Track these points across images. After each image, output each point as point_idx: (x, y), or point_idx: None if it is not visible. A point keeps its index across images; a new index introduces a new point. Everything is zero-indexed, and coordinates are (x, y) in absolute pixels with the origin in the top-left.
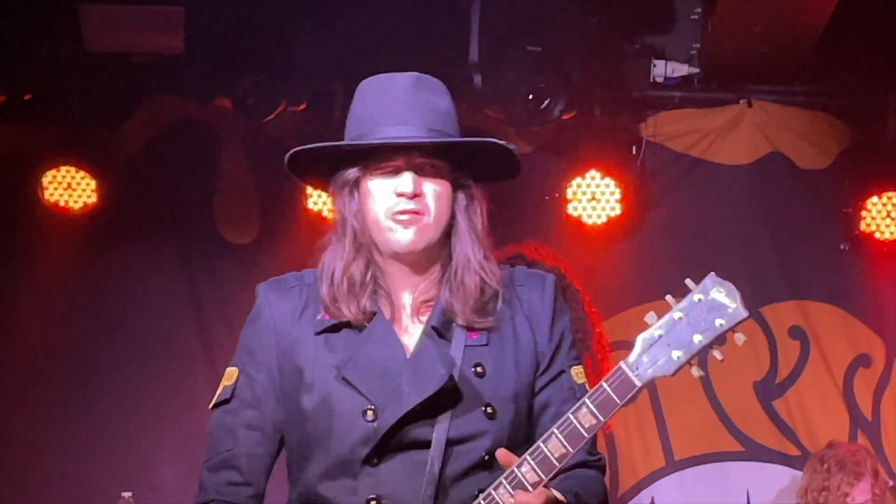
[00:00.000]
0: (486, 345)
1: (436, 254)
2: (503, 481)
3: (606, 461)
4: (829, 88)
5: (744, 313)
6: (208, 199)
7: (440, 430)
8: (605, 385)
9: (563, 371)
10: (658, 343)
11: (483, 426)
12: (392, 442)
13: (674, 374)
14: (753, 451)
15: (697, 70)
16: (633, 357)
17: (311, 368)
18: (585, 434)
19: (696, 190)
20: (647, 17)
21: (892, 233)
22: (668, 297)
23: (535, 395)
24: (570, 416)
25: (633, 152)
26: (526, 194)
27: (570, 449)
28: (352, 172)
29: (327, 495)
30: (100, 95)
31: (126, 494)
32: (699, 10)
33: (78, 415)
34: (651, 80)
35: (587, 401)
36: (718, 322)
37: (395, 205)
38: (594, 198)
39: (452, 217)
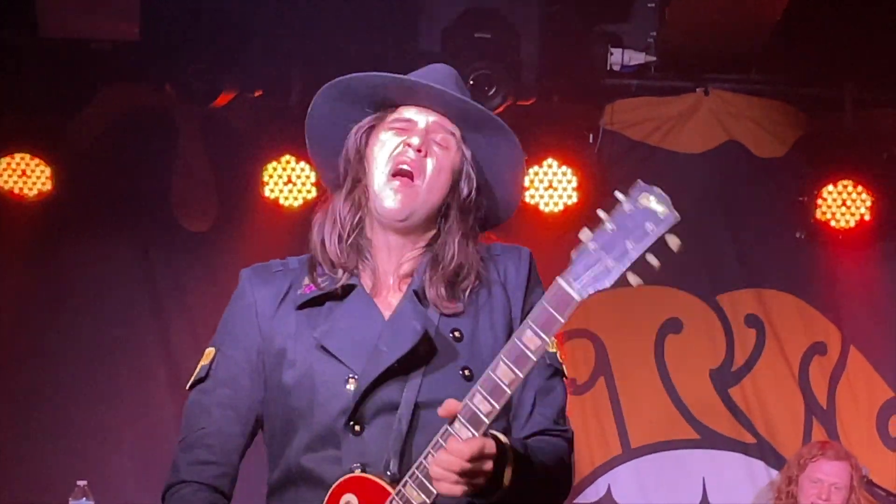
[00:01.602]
0: (462, 312)
1: (422, 231)
2: (458, 416)
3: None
4: (786, 77)
5: (674, 217)
6: (165, 186)
7: (410, 391)
8: (545, 303)
9: None
10: (592, 256)
11: (458, 387)
12: (370, 406)
13: (612, 286)
14: (709, 439)
15: (654, 58)
16: (569, 272)
17: (293, 345)
18: (532, 356)
19: (653, 178)
20: (604, 5)
21: (847, 221)
22: (600, 212)
23: None
24: (515, 339)
25: (591, 140)
26: None
27: (520, 373)
28: (370, 119)
29: (312, 467)
30: (55, 82)
31: (81, 483)
32: None
33: (36, 403)
34: (608, 69)
35: (530, 322)
36: (650, 227)
37: (401, 154)
38: (551, 186)
39: (445, 196)
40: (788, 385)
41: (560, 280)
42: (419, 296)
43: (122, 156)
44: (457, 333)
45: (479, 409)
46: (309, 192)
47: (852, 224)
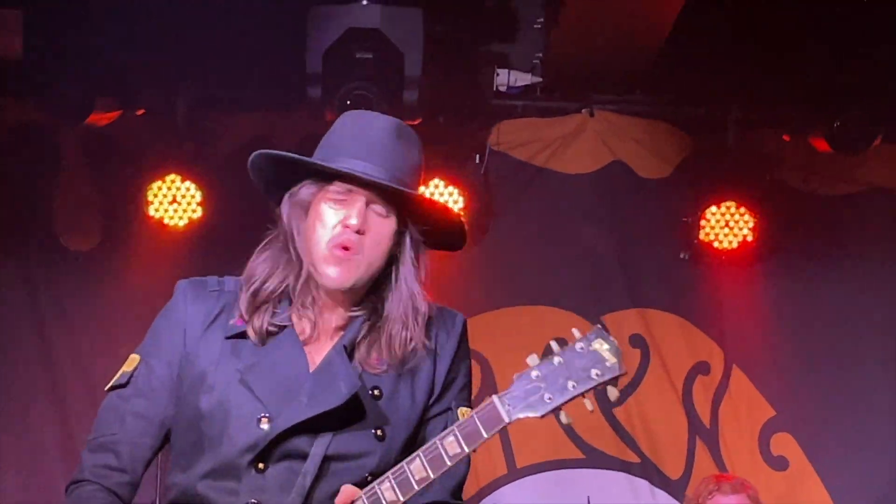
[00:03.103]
0: (385, 371)
1: (363, 295)
2: (362, 496)
3: None
4: (670, 98)
5: (620, 370)
6: (48, 204)
7: (319, 444)
8: (474, 416)
9: (450, 408)
10: (533, 383)
11: (370, 446)
12: (278, 450)
13: (542, 417)
14: (594, 459)
15: (540, 79)
16: (506, 393)
17: (214, 371)
18: (448, 462)
19: (540, 198)
20: (490, 26)
21: (730, 242)
22: (553, 343)
23: (421, 425)
24: (437, 441)
25: (477, 161)
26: None
27: (432, 473)
28: (308, 191)
29: (207, 494)
30: None
31: None
32: (542, 19)
33: None
34: (494, 89)
35: (455, 429)
36: (595, 373)
37: (339, 235)
38: None
39: (387, 265)
40: (672, 404)
41: (496, 399)
42: (347, 350)
43: (3, 173)
44: (376, 392)
45: (383, 497)
46: (194, 211)
47: (735, 245)
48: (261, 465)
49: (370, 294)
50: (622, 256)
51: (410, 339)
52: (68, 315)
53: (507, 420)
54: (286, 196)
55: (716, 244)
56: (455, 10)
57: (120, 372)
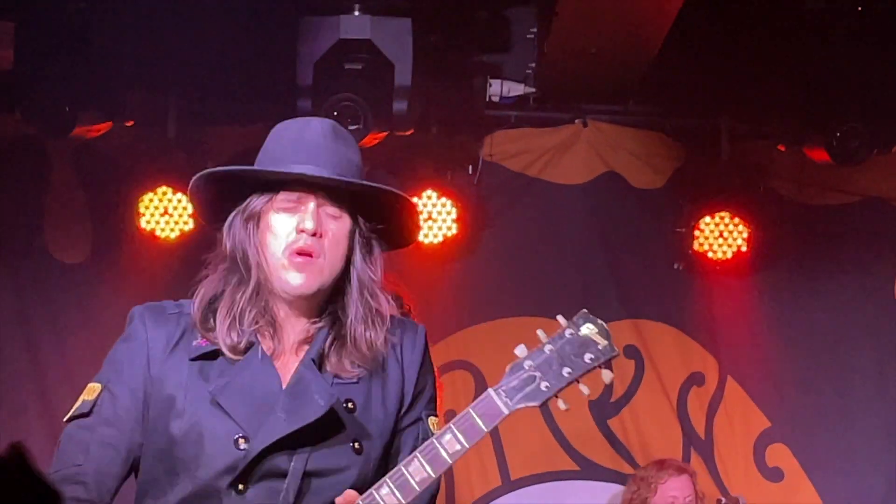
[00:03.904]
0: (356, 382)
1: (325, 299)
2: (360, 502)
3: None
4: (664, 108)
5: (613, 351)
6: (38, 216)
7: (299, 461)
8: (471, 411)
9: (420, 419)
10: (527, 373)
11: (349, 460)
12: (258, 469)
13: (541, 406)
14: (589, 470)
15: (533, 90)
16: (501, 385)
17: (184, 394)
18: (448, 459)
19: (533, 209)
20: (483, 36)
21: (724, 252)
22: (540, 332)
23: (394, 436)
24: (435, 441)
25: (470, 171)
26: None
27: (432, 473)
28: (256, 203)
29: None
30: None
31: None
32: (535, 29)
33: None
34: (487, 100)
35: (452, 426)
36: (588, 357)
37: (295, 241)
38: (430, 217)
39: (346, 266)
40: (667, 416)
41: (491, 392)
42: (316, 363)
43: None
44: (350, 405)
45: (383, 502)
46: (186, 223)
47: (729, 255)
48: (240, 487)
49: (329, 302)
50: (616, 267)
51: (374, 338)
52: (59, 327)
53: (505, 412)
54: (234, 214)
55: (710, 254)
56: (448, 21)
57: (80, 401)
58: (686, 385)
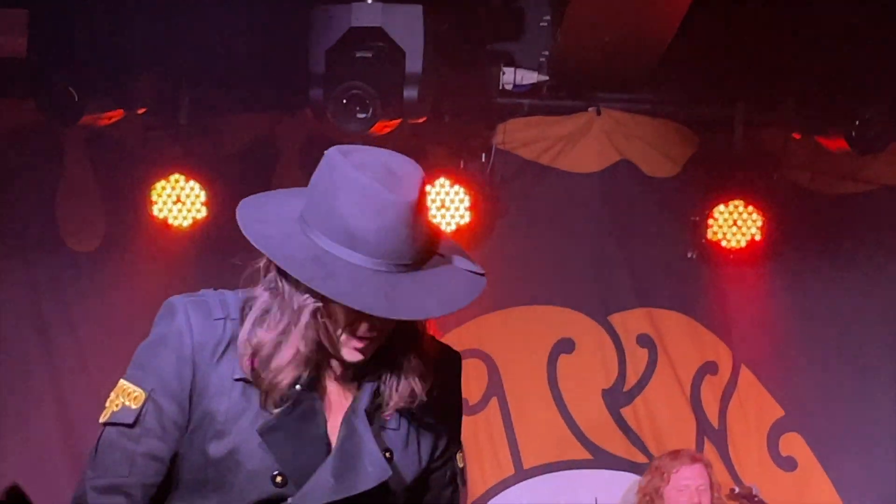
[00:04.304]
0: (396, 429)
1: None
2: None
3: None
4: (677, 97)
5: None
6: (51, 205)
7: None
8: None
9: (451, 458)
10: None
11: None
12: None
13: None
14: (602, 459)
15: (547, 77)
16: None
17: (225, 415)
18: None
19: (546, 197)
20: (496, 24)
21: (738, 241)
22: None
23: (426, 475)
24: None
25: (483, 160)
26: None
27: None
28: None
29: None
30: None
31: None
32: (548, 17)
33: None
34: (500, 87)
35: None
36: None
37: (365, 332)
38: (443, 205)
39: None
40: (680, 405)
41: None
42: (369, 415)
43: (7, 172)
44: (388, 454)
45: None
46: (199, 211)
47: (743, 244)
48: None
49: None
50: (629, 256)
51: (419, 389)
52: (71, 316)
53: None
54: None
55: (724, 243)
56: (460, 8)
57: (118, 405)
58: (699, 374)
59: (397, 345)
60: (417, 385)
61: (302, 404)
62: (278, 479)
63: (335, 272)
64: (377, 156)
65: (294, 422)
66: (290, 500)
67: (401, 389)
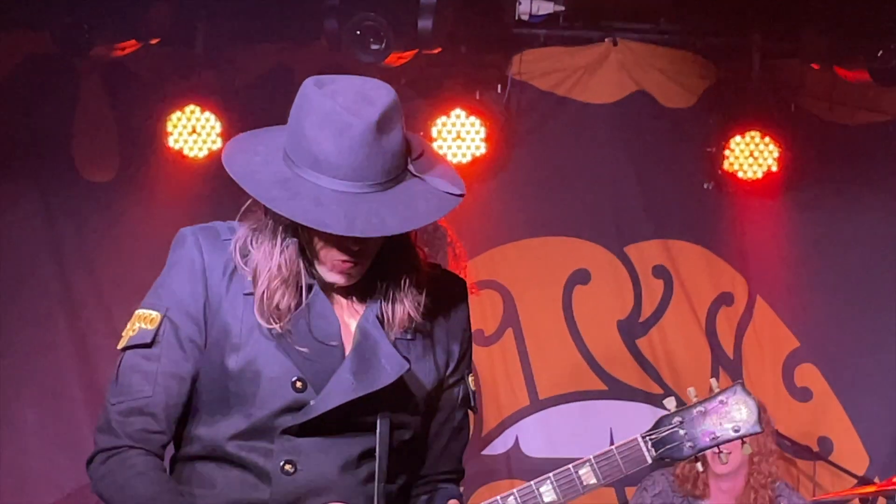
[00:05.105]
0: (412, 339)
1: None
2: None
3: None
4: (694, 27)
5: (758, 428)
6: (66, 135)
7: (384, 420)
8: (615, 451)
9: (462, 378)
10: (674, 429)
11: (408, 418)
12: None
13: (682, 461)
14: (617, 390)
15: (563, 8)
16: (650, 434)
17: (240, 328)
18: (581, 491)
19: (562, 129)
20: None
21: (754, 172)
22: (691, 391)
23: (439, 393)
24: (572, 468)
25: (499, 90)
26: None
27: (562, 499)
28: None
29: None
30: None
31: None
32: None
33: None
34: (516, 18)
35: (593, 459)
36: (733, 428)
37: (337, 255)
38: (459, 136)
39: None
40: (696, 336)
41: (639, 439)
42: (380, 320)
43: (21, 104)
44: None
45: None
46: (214, 142)
47: (760, 175)
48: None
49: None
50: (645, 187)
51: (414, 311)
52: (87, 246)
53: (649, 461)
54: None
55: (740, 174)
56: None
57: (135, 329)
58: (715, 305)
59: (393, 269)
60: (412, 306)
61: (314, 309)
62: (298, 384)
63: (299, 194)
64: (351, 83)
65: (308, 326)
66: (311, 402)
67: (397, 310)
